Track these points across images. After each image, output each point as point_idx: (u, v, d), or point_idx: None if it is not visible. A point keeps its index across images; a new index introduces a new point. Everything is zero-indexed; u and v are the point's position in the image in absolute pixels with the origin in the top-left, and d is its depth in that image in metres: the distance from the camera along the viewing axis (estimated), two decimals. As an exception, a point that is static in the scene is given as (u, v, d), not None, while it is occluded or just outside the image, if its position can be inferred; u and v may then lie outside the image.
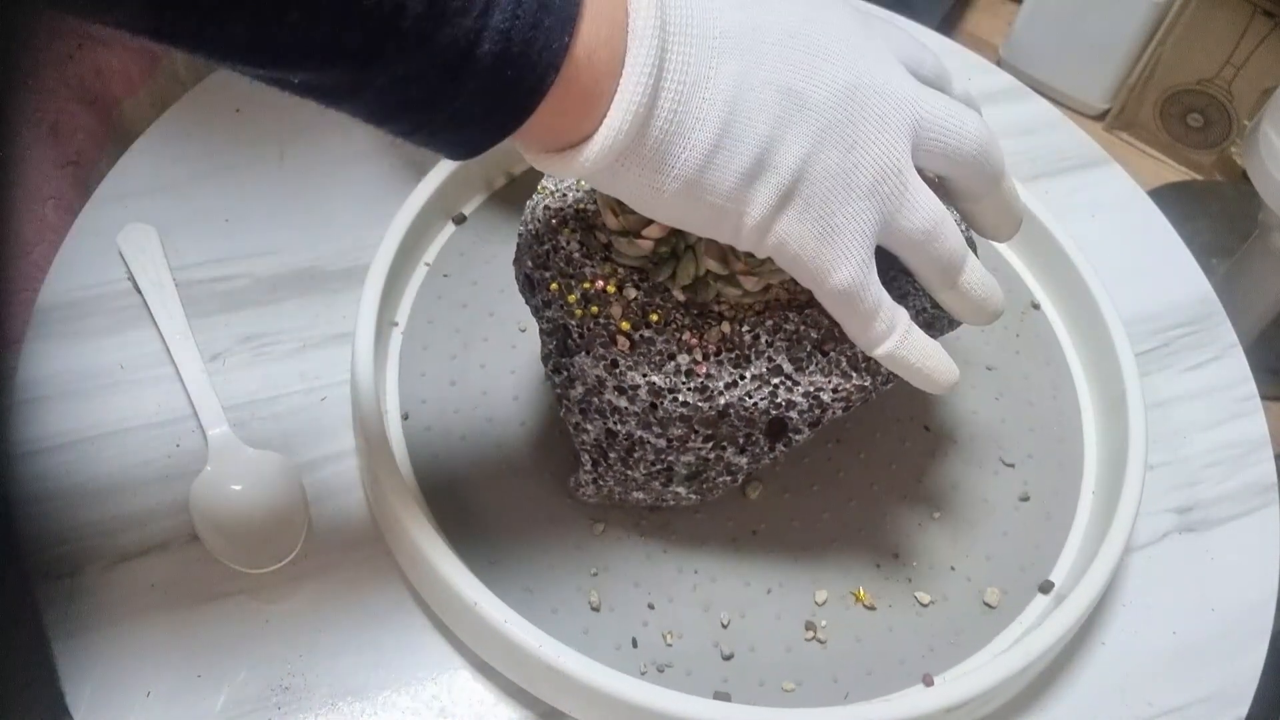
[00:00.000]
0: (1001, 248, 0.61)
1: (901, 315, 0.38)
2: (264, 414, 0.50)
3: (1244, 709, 0.47)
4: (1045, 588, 0.48)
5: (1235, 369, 0.59)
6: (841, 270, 0.35)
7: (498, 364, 0.52)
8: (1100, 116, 1.59)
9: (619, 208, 0.39)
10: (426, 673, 0.44)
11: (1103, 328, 0.55)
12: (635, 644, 0.44)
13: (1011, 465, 0.52)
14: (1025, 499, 0.51)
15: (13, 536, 0.45)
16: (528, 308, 0.45)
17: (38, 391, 0.50)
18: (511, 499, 0.47)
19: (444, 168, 0.55)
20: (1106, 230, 0.65)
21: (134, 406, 0.50)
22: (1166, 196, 1.41)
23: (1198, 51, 1.46)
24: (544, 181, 0.44)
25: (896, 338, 0.38)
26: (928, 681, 0.44)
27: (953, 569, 0.48)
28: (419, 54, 0.29)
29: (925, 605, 0.47)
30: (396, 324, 0.53)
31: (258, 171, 0.60)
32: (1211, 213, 1.41)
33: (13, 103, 0.59)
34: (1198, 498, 0.54)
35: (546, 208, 0.43)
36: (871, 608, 0.46)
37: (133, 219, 0.56)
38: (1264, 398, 0.58)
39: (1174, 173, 1.55)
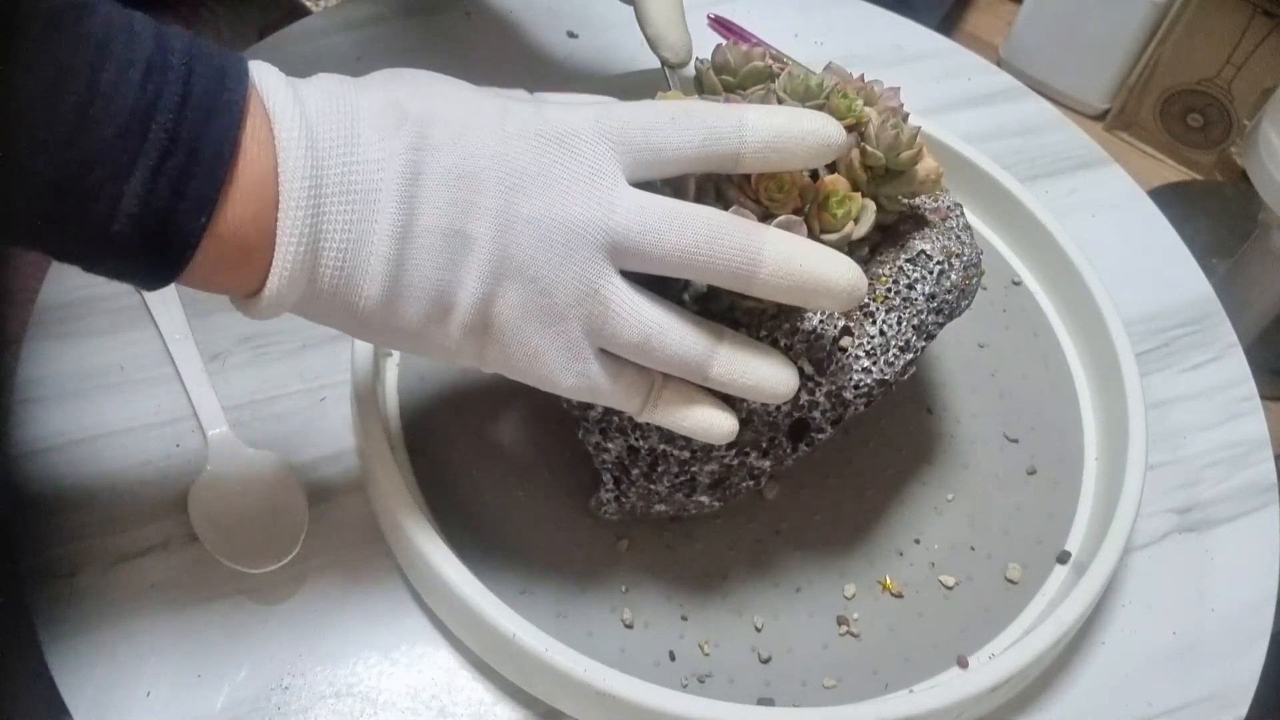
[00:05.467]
0: (1001, 247, 0.62)
1: (643, 385, 0.37)
2: (264, 414, 0.50)
3: (1244, 709, 0.47)
4: (1063, 558, 0.49)
5: (1235, 369, 0.59)
6: (562, 381, 0.36)
7: (501, 388, 0.51)
8: (1100, 116, 1.59)
9: None
10: (427, 673, 0.44)
11: (1099, 317, 0.55)
12: (673, 657, 0.44)
13: (1015, 440, 0.53)
14: (1032, 471, 0.52)
15: (10, 537, 0.45)
16: None
17: (38, 391, 0.50)
18: (532, 524, 0.47)
19: None
20: (1106, 230, 0.65)
21: (134, 406, 0.50)
22: (1166, 196, 1.41)
23: (1198, 51, 1.46)
24: None
25: (648, 407, 0.38)
26: (963, 663, 0.45)
27: (973, 549, 0.49)
28: (58, 234, 0.30)
29: (951, 588, 0.47)
30: (390, 354, 0.52)
31: (258, 171, 0.60)
32: (1211, 213, 1.40)
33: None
34: (1198, 498, 0.54)
35: None
36: (900, 596, 0.47)
37: (133, 219, 0.56)
38: (1264, 398, 0.58)
39: (1174, 173, 1.55)
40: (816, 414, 0.41)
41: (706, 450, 0.41)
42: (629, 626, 0.44)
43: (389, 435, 0.48)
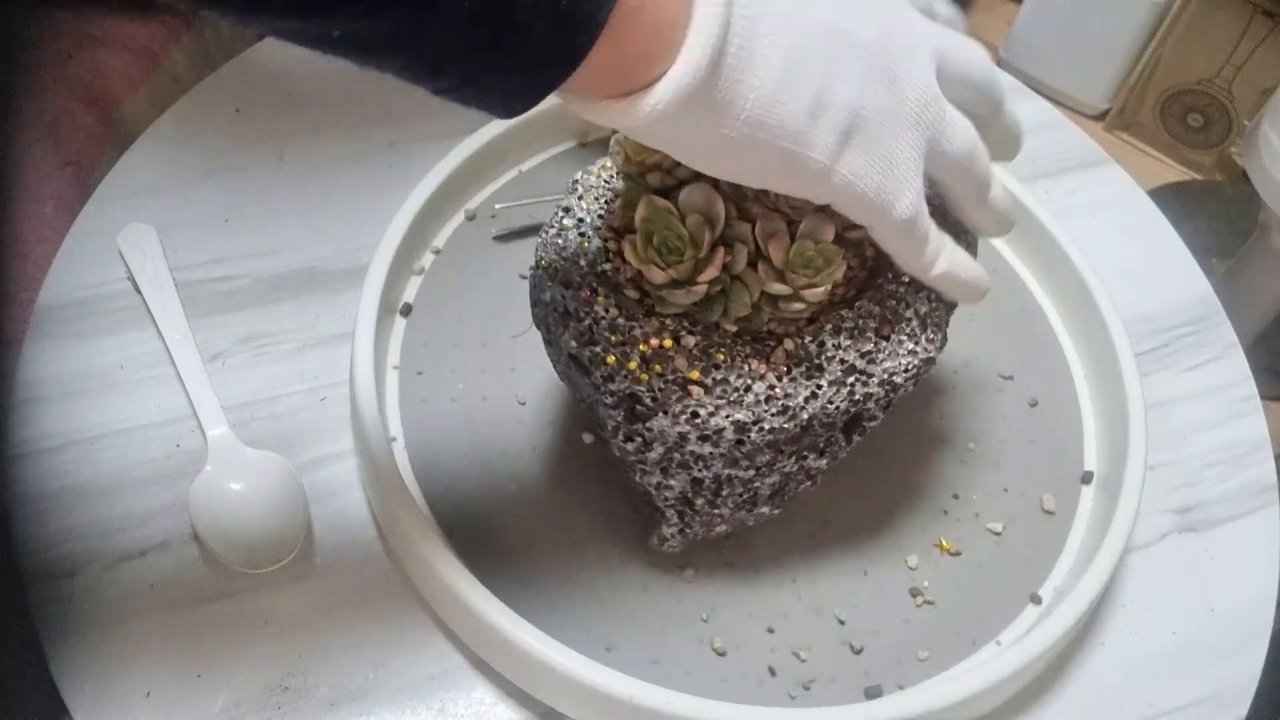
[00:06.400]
0: (1001, 246, 0.62)
1: (946, 237, 0.40)
2: (264, 414, 0.50)
3: (1244, 709, 0.47)
4: (1087, 478, 0.52)
5: (1235, 369, 0.59)
6: (903, 200, 0.36)
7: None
8: (1100, 116, 1.59)
9: (660, 259, 0.38)
10: (426, 673, 0.44)
11: (1099, 317, 0.55)
12: (773, 673, 0.44)
13: (1010, 377, 0.55)
14: (1034, 404, 0.54)
15: (10, 538, 0.45)
16: (551, 377, 0.43)
17: (38, 391, 0.50)
18: (591, 573, 0.46)
19: (412, 202, 0.54)
20: (1106, 230, 0.65)
21: (134, 406, 0.50)
22: (1166, 196, 1.41)
23: (1198, 51, 1.46)
24: (542, 253, 0.42)
25: (947, 256, 0.39)
26: (1036, 600, 0.47)
27: (1006, 490, 0.51)
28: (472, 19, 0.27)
29: (999, 533, 0.49)
30: (397, 367, 0.51)
31: (258, 171, 0.60)
32: (1211, 213, 1.40)
33: (13, 103, 0.59)
34: (1198, 498, 0.54)
35: (564, 283, 0.41)
36: (957, 554, 0.48)
37: (133, 219, 0.56)
38: (1264, 398, 0.58)
39: (1174, 173, 1.55)
40: (871, 404, 0.41)
41: (770, 465, 0.41)
42: (721, 654, 0.44)
43: (389, 436, 0.48)
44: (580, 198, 0.43)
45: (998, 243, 0.62)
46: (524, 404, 0.51)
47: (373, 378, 0.48)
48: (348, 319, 0.53)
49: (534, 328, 0.44)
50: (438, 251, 0.56)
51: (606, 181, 0.44)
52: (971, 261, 0.41)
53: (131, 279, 0.54)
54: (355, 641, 0.44)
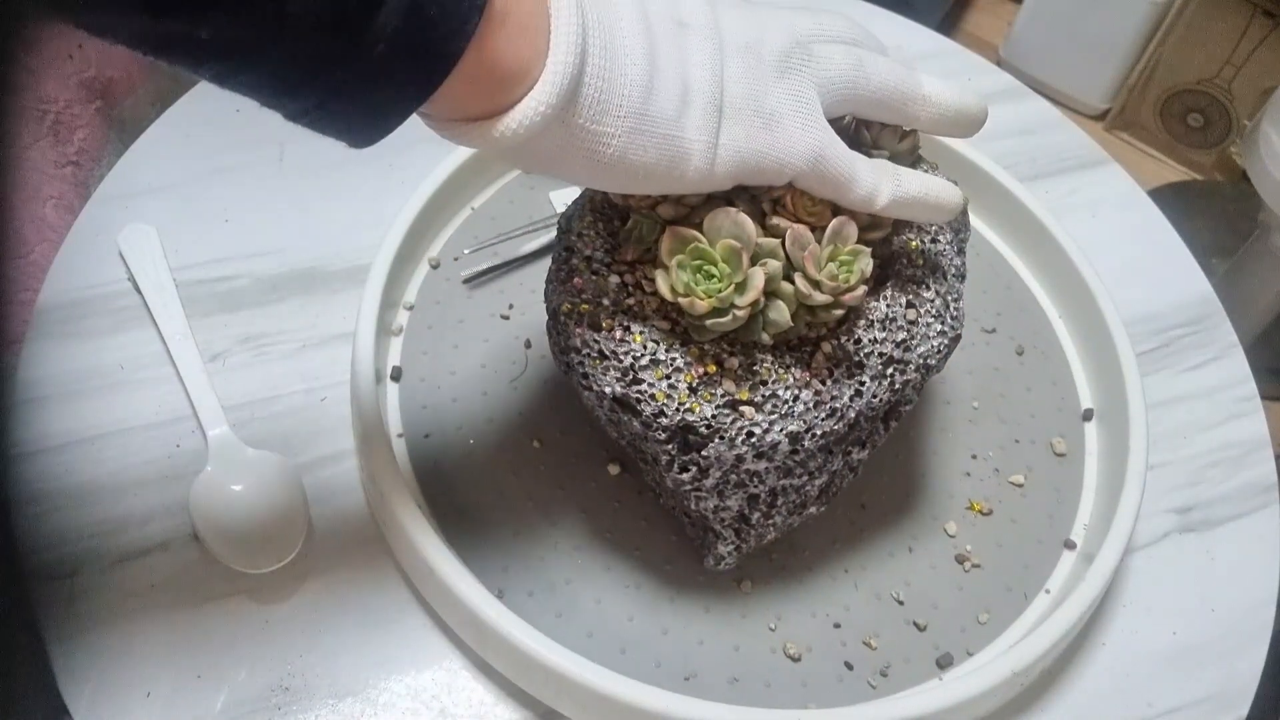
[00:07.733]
0: (1001, 246, 0.62)
1: (885, 164, 0.39)
2: (264, 414, 0.50)
3: (1244, 709, 0.47)
4: (1088, 416, 0.54)
5: (1235, 369, 0.59)
6: (799, 145, 0.36)
7: (536, 483, 0.49)
8: (1100, 116, 1.59)
9: (699, 290, 0.37)
10: (427, 673, 0.44)
11: (1099, 317, 0.55)
12: (850, 666, 0.44)
13: (992, 330, 0.57)
14: (1021, 352, 0.56)
15: (10, 537, 0.45)
16: (608, 433, 0.42)
17: (38, 391, 0.50)
18: (653, 606, 0.45)
19: (410, 209, 0.55)
20: (1106, 230, 0.65)
21: (134, 406, 0.50)
22: (1166, 196, 1.41)
23: (1198, 51, 1.46)
24: (557, 300, 0.41)
25: (889, 183, 0.38)
26: (1070, 545, 0.49)
27: (1017, 442, 0.53)
28: (325, 37, 0.28)
29: (1021, 485, 0.51)
30: (402, 435, 0.50)
31: (258, 171, 0.60)
32: (1211, 213, 1.41)
33: (13, 102, 0.59)
34: (1198, 498, 0.54)
35: (592, 326, 0.39)
36: (989, 513, 0.50)
37: (133, 219, 0.56)
38: (1264, 398, 0.58)
39: (1174, 173, 1.55)
40: (909, 390, 0.42)
41: (820, 467, 0.41)
42: (796, 659, 0.44)
43: (389, 435, 0.48)
44: (579, 236, 0.42)
45: (998, 243, 0.62)
46: (540, 445, 0.50)
47: (373, 377, 0.48)
48: (348, 319, 0.53)
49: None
50: (410, 307, 0.54)
51: (599, 212, 0.43)
52: (927, 179, 0.39)
53: (131, 279, 0.54)
54: (355, 641, 0.44)
